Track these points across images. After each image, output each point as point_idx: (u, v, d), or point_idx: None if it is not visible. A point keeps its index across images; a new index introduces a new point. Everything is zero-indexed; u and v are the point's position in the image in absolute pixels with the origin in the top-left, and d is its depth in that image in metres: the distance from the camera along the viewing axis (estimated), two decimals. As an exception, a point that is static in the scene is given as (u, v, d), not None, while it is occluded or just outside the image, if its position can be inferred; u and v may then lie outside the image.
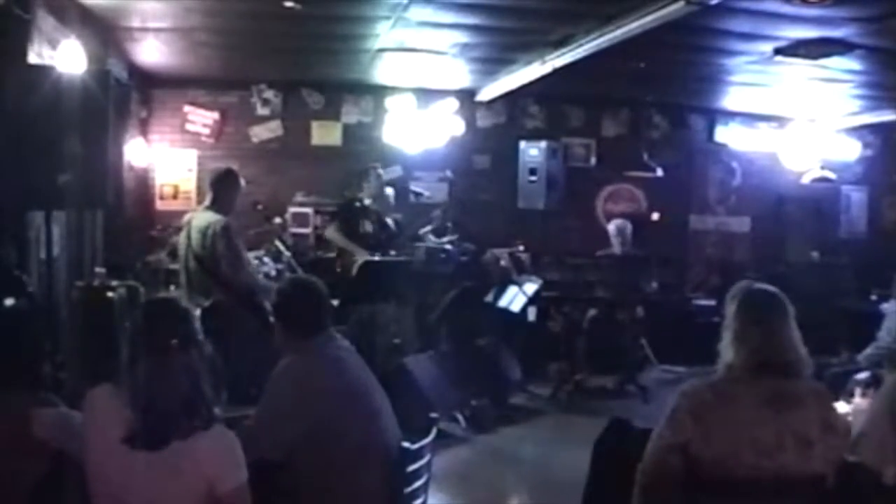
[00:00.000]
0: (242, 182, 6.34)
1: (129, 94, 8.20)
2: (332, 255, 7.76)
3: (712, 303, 8.65)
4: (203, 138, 9.55)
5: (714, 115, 10.82)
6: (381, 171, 7.95)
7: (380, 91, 9.58)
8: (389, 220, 7.89)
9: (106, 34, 6.99)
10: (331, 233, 7.69)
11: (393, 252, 7.61)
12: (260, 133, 9.71)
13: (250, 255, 6.77)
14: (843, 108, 10.01)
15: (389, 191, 8.11)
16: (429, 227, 8.37)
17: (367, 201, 7.63)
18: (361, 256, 7.17)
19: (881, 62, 7.38)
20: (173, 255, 6.65)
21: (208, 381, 2.56)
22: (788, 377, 2.80)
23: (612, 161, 10.44)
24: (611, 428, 3.46)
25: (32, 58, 5.08)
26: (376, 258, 7.25)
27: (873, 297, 8.29)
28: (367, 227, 7.54)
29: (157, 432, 2.43)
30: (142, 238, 8.41)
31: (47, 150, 4.18)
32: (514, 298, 7.90)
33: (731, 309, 2.92)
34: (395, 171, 9.51)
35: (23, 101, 4.16)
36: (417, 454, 3.27)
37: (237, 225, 6.23)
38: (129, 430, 2.43)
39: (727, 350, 2.86)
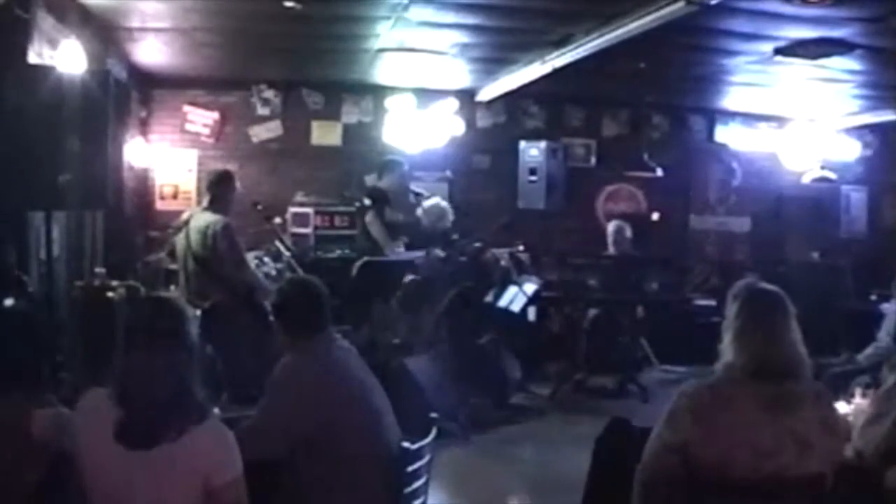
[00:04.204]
0: (238, 185, 6.40)
1: (129, 94, 8.20)
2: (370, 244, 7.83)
3: (712, 303, 8.64)
4: (203, 138, 9.55)
5: (714, 115, 10.81)
6: (406, 167, 8.18)
7: (380, 91, 9.57)
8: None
9: (106, 34, 6.99)
10: (370, 218, 7.78)
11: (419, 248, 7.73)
12: (260, 133, 9.70)
13: (250, 255, 6.79)
14: (843, 108, 10.02)
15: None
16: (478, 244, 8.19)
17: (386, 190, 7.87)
18: (389, 250, 7.44)
19: (881, 62, 7.38)
20: (173, 255, 6.66)
21: (199, 380, 2.56)
22: (788, 379, 2.79)
23: (612, 161, 10.43)
24: (611, 428, 3.46)
25: (32, 58, 5.07)
26: (375, 258, 7.27)
27: (873, 297, 8.29)
28: (395, 215, 7.80)
29: (145, 430, 2.43)
30: (142, 238, 8.41)
31: (47, 150, 4.17)
32: (514, 298, 7.89)
33: (733, 309, 2.90)
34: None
35: (23, 101, 4.16)
36: (417, 454, 3.27)
37: (237, 225, 6.25)
38: (118, 428, 2.44)
39: (727, 350, 2.85)
